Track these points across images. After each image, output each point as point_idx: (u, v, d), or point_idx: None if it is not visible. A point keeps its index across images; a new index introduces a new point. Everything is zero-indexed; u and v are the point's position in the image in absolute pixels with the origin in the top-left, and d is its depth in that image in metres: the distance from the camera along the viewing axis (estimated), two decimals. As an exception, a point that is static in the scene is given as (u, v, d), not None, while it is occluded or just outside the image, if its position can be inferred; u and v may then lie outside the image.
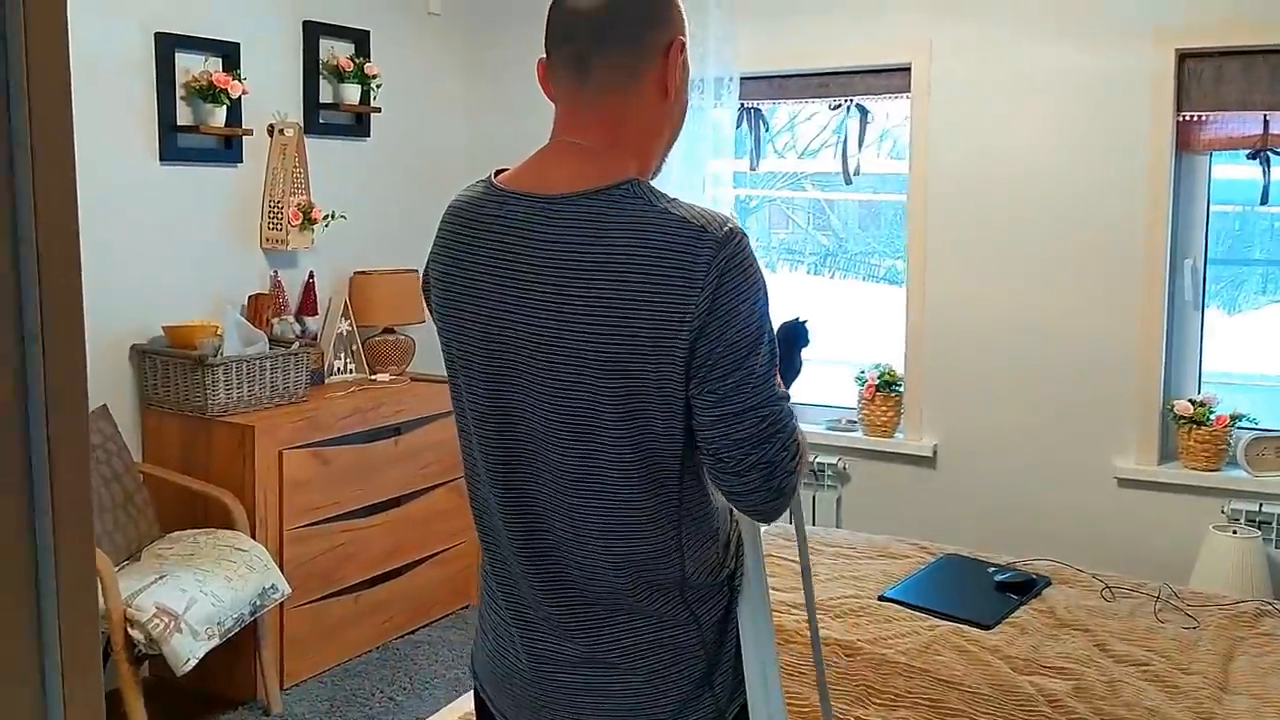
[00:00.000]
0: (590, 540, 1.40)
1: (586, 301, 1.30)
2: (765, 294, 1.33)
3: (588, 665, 1.46)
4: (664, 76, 1.39)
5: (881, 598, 2.80)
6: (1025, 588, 2.86)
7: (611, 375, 1.31)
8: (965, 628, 2.61)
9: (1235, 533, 3.43)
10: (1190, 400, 3.63)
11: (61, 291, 0.68)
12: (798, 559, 1.79)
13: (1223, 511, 3.54)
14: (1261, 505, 3.49)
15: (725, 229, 1.30)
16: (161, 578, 3.05)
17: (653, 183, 1.40)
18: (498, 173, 1.46)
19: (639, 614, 1.42)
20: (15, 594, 0.67)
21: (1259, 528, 3.46)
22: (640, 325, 1.28)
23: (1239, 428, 3.61)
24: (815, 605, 1.78)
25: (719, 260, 1.28)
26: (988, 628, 2.62)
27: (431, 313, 1.52)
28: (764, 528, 2.38)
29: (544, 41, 1.42)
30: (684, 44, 1.40)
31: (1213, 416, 3.59)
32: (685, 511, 1.41)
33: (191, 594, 3.02)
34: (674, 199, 1.35)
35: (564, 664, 1.47)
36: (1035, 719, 2.21)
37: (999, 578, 2.92)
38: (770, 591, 1.55)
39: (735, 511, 1.54)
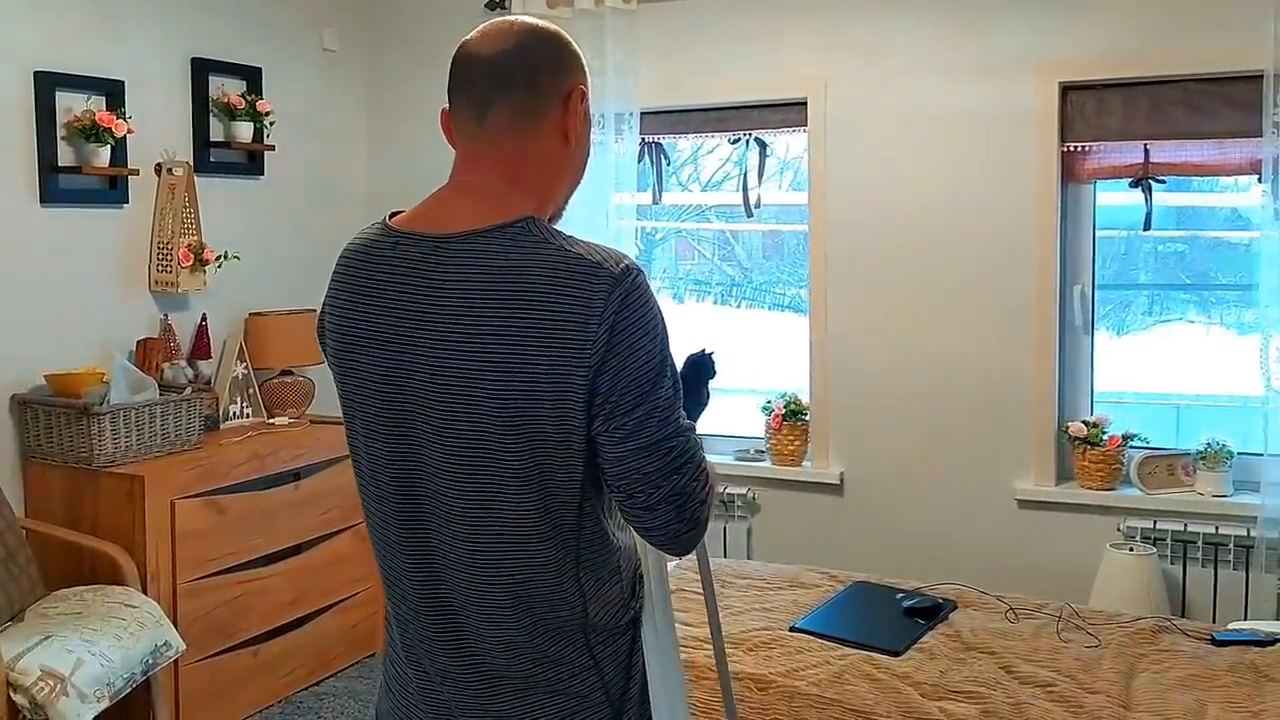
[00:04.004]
0: (488, 583, 1.36)
1: (481, 341, 1.28)
2: (664, 328, 1.33)
3: (484, 718, 1.42)
4: (564, 123, 1.39)
5: (793, 628, 2.80)
6: (932, 613, 2.89)
7: (509, 415, 1.29)
8: (875, 655, 2.62)
9: (1131, 550, 3.51)
10: (1084, 422, 3.72)
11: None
12: (703, 592, 1.77)
13: (1119, 529, 3.63)
14: (1155, 522, 3.59)
15: (621, 265, 1.29)
16: (46, 639, 2.90)
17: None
18: (393, 214, 1.43)
19: (538, 662, 1.39)
20: None
21: (1154, 544, 3.55)
22: (536, 364, 1.27)
23: (1131, 447, 3.71)
24: (722, 637, 1.75)
25: (615, 296, 1.27)
26: (897, 654, 2.63)
27: (327, 359, 1.49)
28: (671, 564, 2.36)
29: (447, 90, 1.41)
30: (584, 93, 1.41)
31: (1105, 437, 3.68)
32: (584, 551, 1.39)
33: (79, 654, 2.87)
34: (570, 236, 1.34)
35: (461, 716, 1.43)
36: (946, 745, 2.22)
37: (906, 604, 2.94)
38: (678, 628, 1.53)
39: (640, 550, 1.53)
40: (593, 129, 1.54)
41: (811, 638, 2.73)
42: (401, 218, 1.41)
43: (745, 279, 5.12)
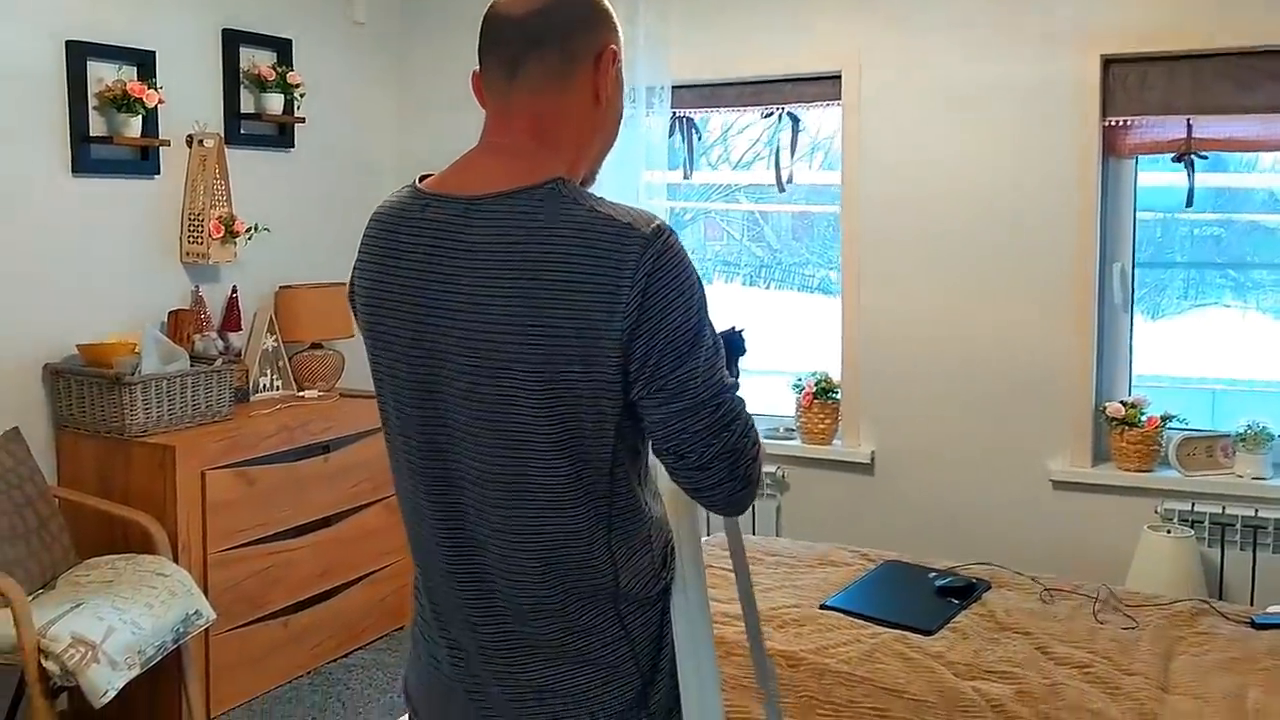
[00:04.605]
0: (519, 550, 1.35)
1: (511, 304, 1.26)
2: (700, 288, 1.30)
3: (516, 687, 1.41)
4: (595, 83, 1.36)
5: (823, 606, 2.77)
6: (965, 592, 2.85)
7: (540, 381, 1.27)
8: (907, 634, 2.58)
9: (1169, 532, 3.45)
10: (1121, 402, 3.66)
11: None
12: (733, 566, 1.75)
13: (1156, 511, 3.57)
14: (1194, 504, 3.52)
15: (652, 226, 1.27)
16: (78, 606, 2.92)
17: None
18: (423, 178, 1.42)
19: (569, 631, 1.38)
20: None
21: (1192, 527, 3.49)
22: (568, 328, 1.24)
23: (1169, 428, 3.64)
24: (756, 611, 1.73)
25: (647, 258, 1.24)
26: (929, 633, 2.60)
27: (358, 324, 1.48)
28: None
29: (477, 50, 1.39)
30: (616, 53, 1.38)
31: (1144, 418, 3.62)
32: (616, 519, 1.37)
33: (110, 622, 2.89)
34: (600, 198, 1.32)
35: (493, 686, 1.42)
36: (980, 725, 2.19)
37: (939, 583, 2.90)
38: (710, 603, 1.50)
39: (673, 521, 1.50)
40: (624, 103, 1.49)
41: (842, 615, 2.70)
42: (431, 180, 1.39)
43: (774, 260, 5.08)
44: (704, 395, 1.28)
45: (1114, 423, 3.66)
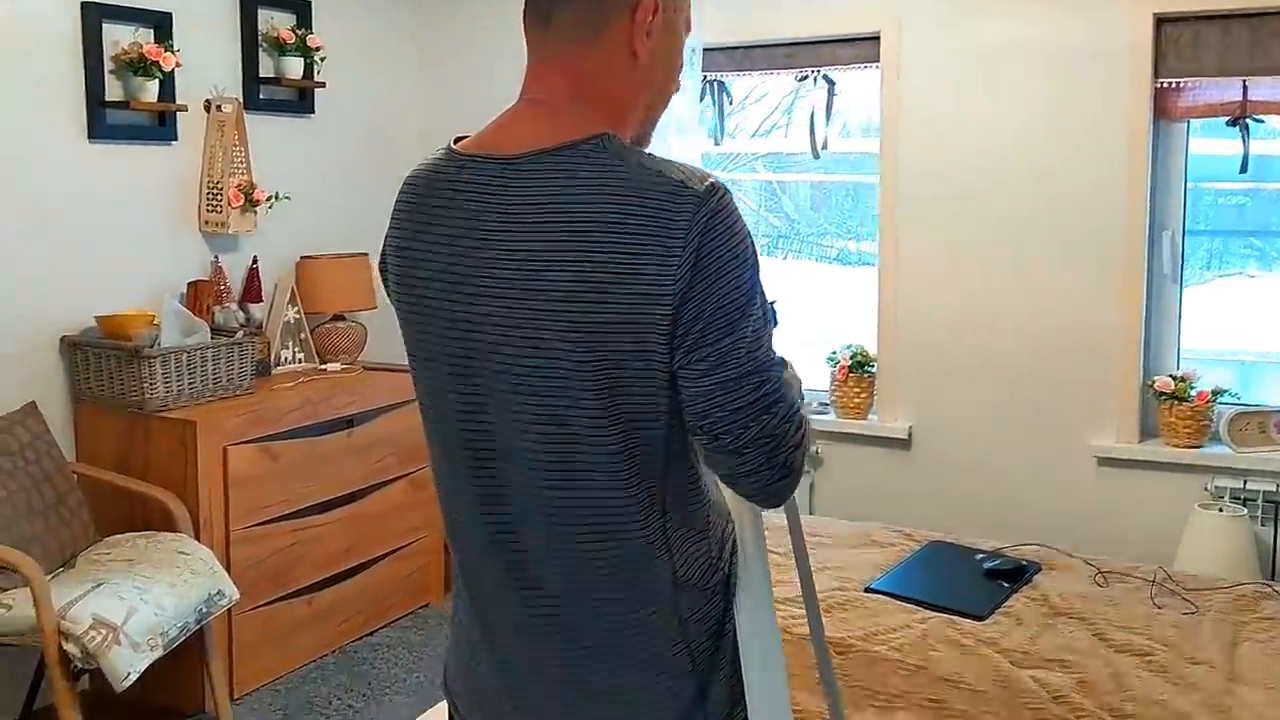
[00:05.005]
0: (568, 538, 1.25)
1: (555, 268, 1.17)
2: (754, 251, 1.20)
3: (564, 686, 1.32)
4: (630, 35, 1.25)
5: (868, 589, 2.67)
6: (1015, 575, 2.74)
7: (586, 350, 1.17)
8: (957, 619, 2.48)
9: (1221, 510, 3.33)
10: (1171, 376, 3.54)
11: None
12: (793, 549, 1.65)
13: (1206, 489, 3.45)
14: (1246, 482, 3.40)
15: (706, 183, 1.17)
16: (98, 586, 2.84)
17: None
18: (458, 140, 1.32)
19: (618, 621, 1.28)
20: None
21: (1244, 505, 3.37)
22: (616, 292, 1.15)
23: (1220, 403, 3.52)
24: (817, 601, 1.63)
25: (701, 216, 1.14)
26: (981, 618, 2.50)
27: (390, 295, 1.38)
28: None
29: None
30: (657, 5, 1.26)
31: (1194, 392, 3.50)
32: (672, 502, 1.27)
33: (131, 603, 2.81)
34: (648, 154, 1.22)
35: (540, 685, 1.33)
36: (1042, 718, 2.08)
37: (988, 565, 2.80)
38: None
39: (733, 507, 1.41)
40: (682, 57, 1.37)
41: (888, 599, 2.60)
42: (467, 142, 1.30)
43: (792, 230, 4.95)
44: (746, 367, 1.18)
45: (1163, 397, 3.53)
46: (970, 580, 2.73)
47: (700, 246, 1.14)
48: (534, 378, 1.20)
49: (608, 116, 1.26)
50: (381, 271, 1.40)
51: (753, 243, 1.20)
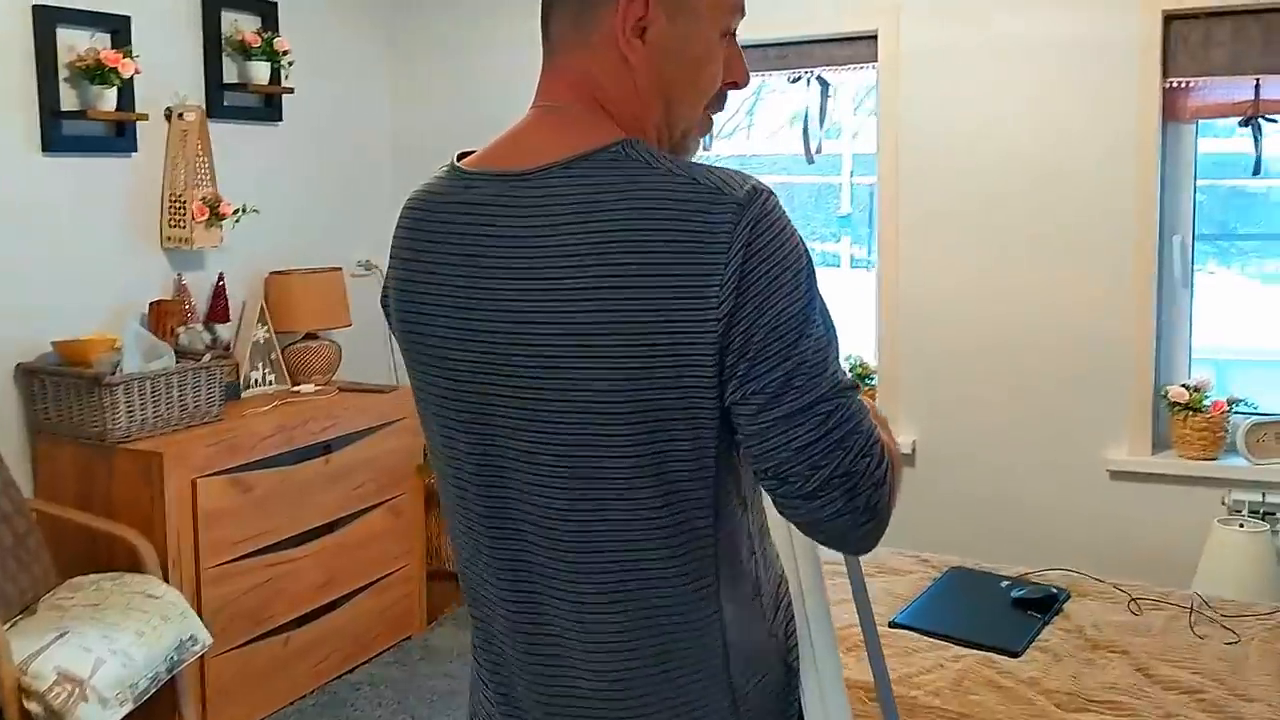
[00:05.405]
0: (599, 604, 1.09)
1: (579, 295, 1.01)
2: (808, 259, 1.04)
3: None
4: (616, 43, 1.10)
5: (893, 623, 2.51)
6: (1045, 604, 2.59)
7: (619, 390, 1.01)
8: (993, 656, 2.33)
9: (1242, 526, 3.21)
10: (1184, 385, 3.41)
11: None
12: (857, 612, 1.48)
13: (1223, 503, 3.33)
14: (1265, 495, 3.28)
15: (746, 187, 1.01)
16: (62, 635, 2.62)
17: None
18: (462, 156, 1.16)
19: (663, 706, 1.11)
20: None
21: (1263, 519, 3.25)
22: (650, 321, 0.99)
23: (1236, 412, 3.40)
24: (882, 655, 1.46)
25: (743, 226, 0.99)
26: (1016, 654, 2.35)
27: (394, 332, 1.21)
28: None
29: None
30: (647, 2, 1.09)
31: (1208, 402, 3.38)
32: (723, 559, 1.10)
33: (98, 654, 2.60)
34: (678, 159, 1.06)
35: None
36: (1102, 771, 1.94)
37: (1015, 593, 2.64)
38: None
39: (787, 569, 1.24)
40: (703, 48, 1.19)
41: (917, 635, 2.44)
42: (473, 158, 1.14)
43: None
44: (810, 396, 1.01)
45: (1176, 408, 3.41)
46: (999, 611, 2.58)
47: (745, 260, 0.99)
48: (557, 425, 1.05)
49: (627, 124, 1.11)
50: (384, 308, 1.24)
51: (807, 250, 1.04)
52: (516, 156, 1.09)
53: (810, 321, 1.02)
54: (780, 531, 1.26)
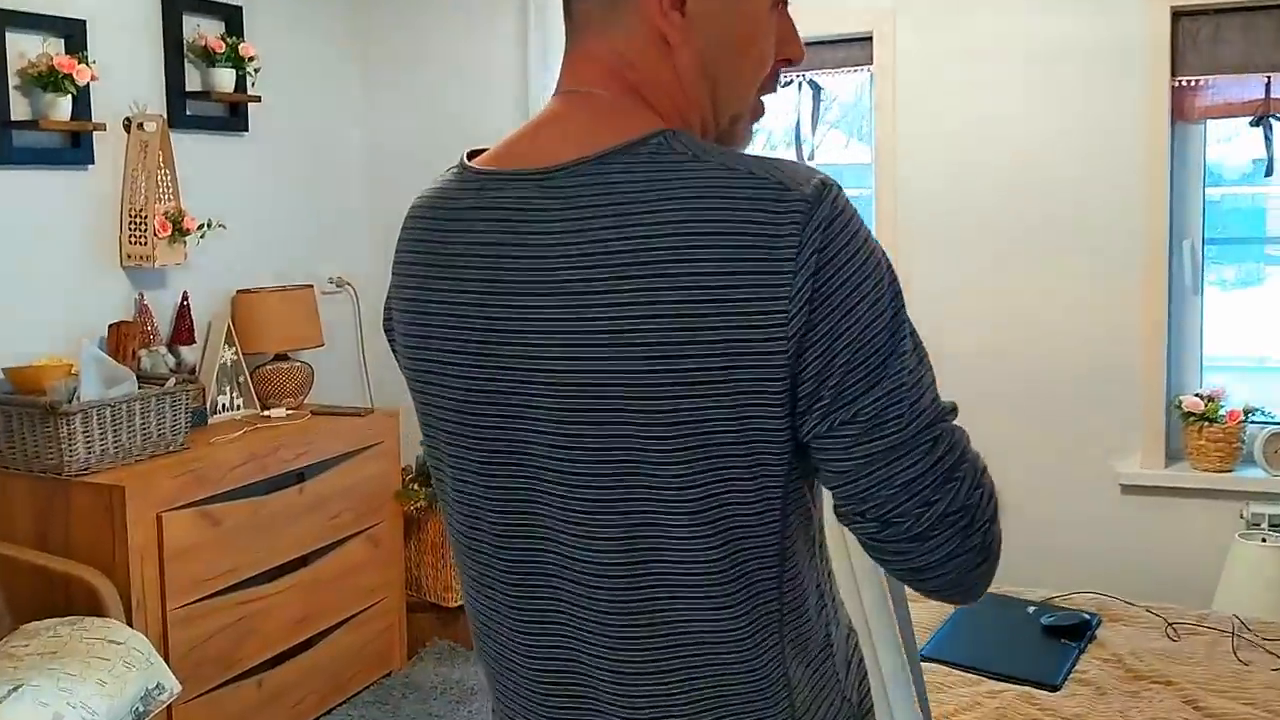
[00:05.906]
0: (646, 674, 0.92)
1: (619, 312, 0.84)
2: (888, 266, 0.89)
3: None
4: (652, 18, 0.93)
5: (921, 656, 2.34)
6: (1078, 631, 2.45)
7: (668, 424, 0.85)
8: (1032, 691, 2.18)
9: (1264, 541, 3.08)
10: (1198, 395, 3.29)
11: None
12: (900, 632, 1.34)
13: (1241, 516, 3.20)
14: (1285, 508, 3.16)
15: (813, 182, 0.85)
16: (17, 689, 2.40)
17: None
18: (473, 154, 0.99)
19: None
20: None
21: (1283, 533, 3.13)
22: (702, 343, 0.83)
23: (1252, 422, 3.28)
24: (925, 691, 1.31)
25: (814, 227, 0.83)
26: (1056, 688, 2.20)
27: (398, 359, 1.05)
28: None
29: None
30: None
31: (1224, 412, 3.25)
32: (789, 617, 0.94)
33: (56, 708, 2.38)
34: (729, 150, 0.90)
35: None
36: (1169, 820, 1.78)
37: (1044, 619, 2.50)
38: None
39: (854, 618, 1.08)
40: (752, 27, 1.01)
41: (947, 668, 2.28)
42: (487, 155, 0.98)
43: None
44: (914, 426, 0.87)
45: (1190, 418, 3.28)
46: (1029, 639, 2.43)
47: (818, 268, 0.83)
48: (593, 467, 0.88)
49: (666, 112, 0.95)
50: (387, 334, 1.07)
51: (885, 254, 0.89)
52: (539, 152, 0.93)
53: (899, 337, 0.88)
54: (843, 578, 1.10)
